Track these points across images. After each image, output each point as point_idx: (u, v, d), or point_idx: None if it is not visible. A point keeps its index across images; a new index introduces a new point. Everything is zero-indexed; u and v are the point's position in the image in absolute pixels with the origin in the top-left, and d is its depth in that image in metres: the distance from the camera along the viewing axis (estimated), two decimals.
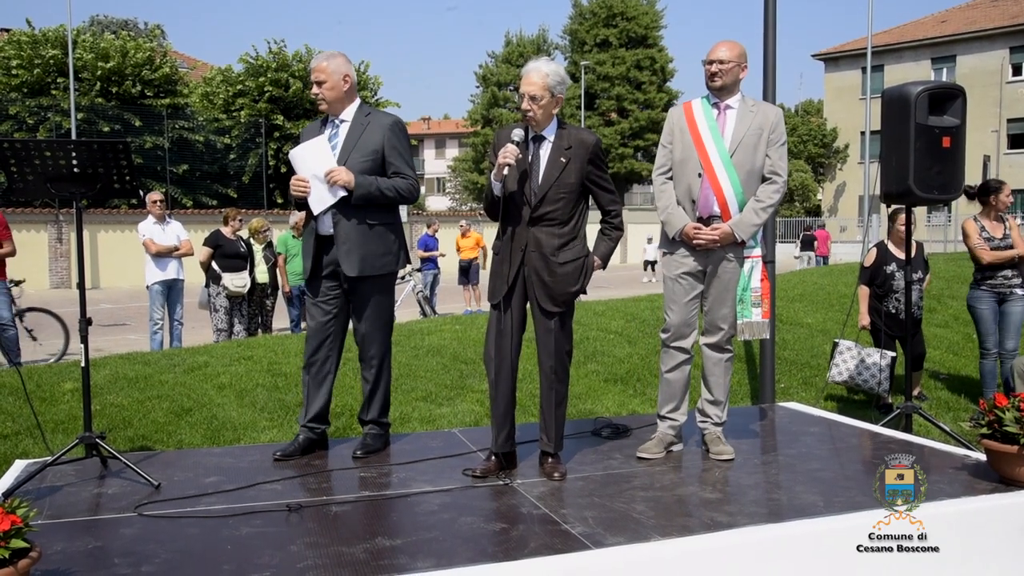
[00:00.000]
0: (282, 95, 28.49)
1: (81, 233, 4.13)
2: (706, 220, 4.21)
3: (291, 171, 4.31)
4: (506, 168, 3.81)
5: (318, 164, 4.14)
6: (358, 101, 4.34)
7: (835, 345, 6.27)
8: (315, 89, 4.21)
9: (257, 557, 2.98)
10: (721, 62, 4.20)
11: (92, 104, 26.38)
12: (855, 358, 6.09)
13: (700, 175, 4.20)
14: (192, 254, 9.42)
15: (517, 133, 3.88)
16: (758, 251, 4.33)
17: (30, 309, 9.76)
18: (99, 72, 26.98)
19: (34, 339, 9.68)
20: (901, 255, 6.45)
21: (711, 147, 4.20)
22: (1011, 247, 6.20)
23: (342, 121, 4.27)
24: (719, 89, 4.24)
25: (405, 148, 4.32)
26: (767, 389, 5.97)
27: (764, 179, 4.26)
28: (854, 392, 6.79)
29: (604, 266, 4.11)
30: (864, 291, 6.57)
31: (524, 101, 3.86)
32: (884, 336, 6.29)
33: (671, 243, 4.31)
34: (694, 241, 4.20)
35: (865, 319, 6.53)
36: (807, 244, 27.29)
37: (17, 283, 9.72)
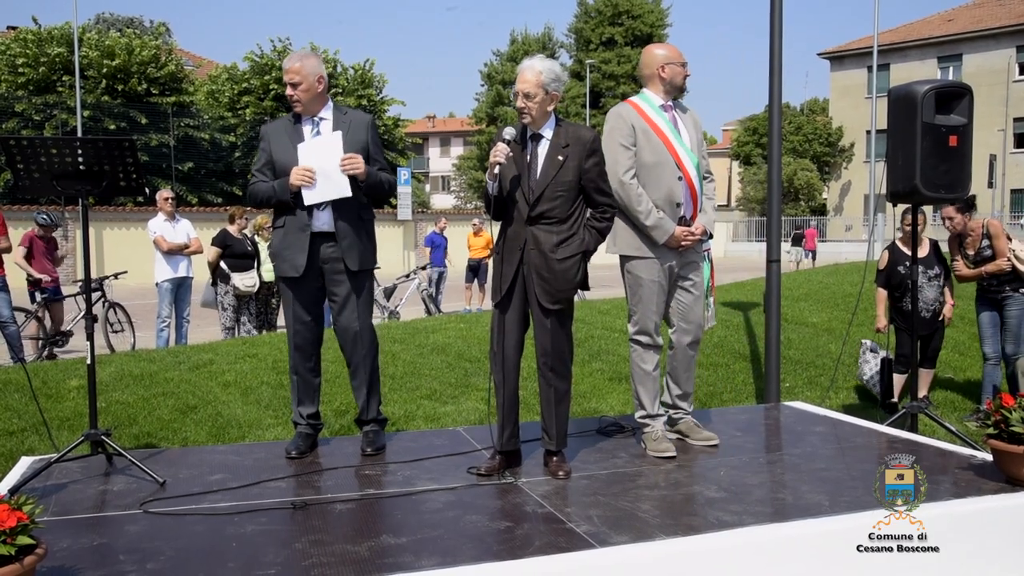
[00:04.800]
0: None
1: (87, 231, 4.14)
2: (685, 221, 4.32)
3: None
4: (496, 167, 3.81)
5: (327, 158, 4.12)
6: (330, 99, 4.38)
7: (862, 344, 6.38)
8: (289, 91, 4.20)
9: (262, 555, 2.99)
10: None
11: (98, 102, 26.45)
12: (884, 361, 6.22)
13: (680, 178, 4.27)
14: (202, 252, 9.44)
15: (508, 131, 3.89)
16: (710, 244, 4.61)
17: (117, 304, 10.36)
18: (105, 70, 27.05)
19: (115, 332, 10.15)
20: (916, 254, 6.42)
21: (681, 150, 4.29)
22: (987, 259, 6.19)
23: (321, 119, 4.27)
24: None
25: (380, 145, 4.45)
26: (772, 388, 5.96)
27: (703, 178, 4.44)
28: (860, 391, 6.78)
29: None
30: (882, 294, 6.55)
31: (519, 99, 3.87)
32: (908, 336, 6.25)
33: (652, 246, 4.29)
34: (683, 242, 4.27)
35: (882, 322, 6.52)
36: (796, 241, 30.20)
37: (117, 275, 10.49)
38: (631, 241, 4.31)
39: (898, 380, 6.36)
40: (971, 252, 6.28)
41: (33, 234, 9.58)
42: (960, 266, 6.35)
